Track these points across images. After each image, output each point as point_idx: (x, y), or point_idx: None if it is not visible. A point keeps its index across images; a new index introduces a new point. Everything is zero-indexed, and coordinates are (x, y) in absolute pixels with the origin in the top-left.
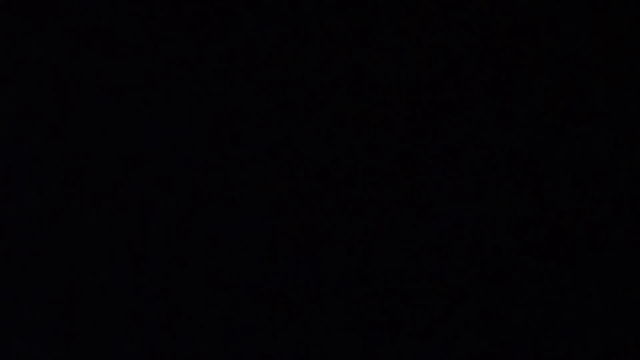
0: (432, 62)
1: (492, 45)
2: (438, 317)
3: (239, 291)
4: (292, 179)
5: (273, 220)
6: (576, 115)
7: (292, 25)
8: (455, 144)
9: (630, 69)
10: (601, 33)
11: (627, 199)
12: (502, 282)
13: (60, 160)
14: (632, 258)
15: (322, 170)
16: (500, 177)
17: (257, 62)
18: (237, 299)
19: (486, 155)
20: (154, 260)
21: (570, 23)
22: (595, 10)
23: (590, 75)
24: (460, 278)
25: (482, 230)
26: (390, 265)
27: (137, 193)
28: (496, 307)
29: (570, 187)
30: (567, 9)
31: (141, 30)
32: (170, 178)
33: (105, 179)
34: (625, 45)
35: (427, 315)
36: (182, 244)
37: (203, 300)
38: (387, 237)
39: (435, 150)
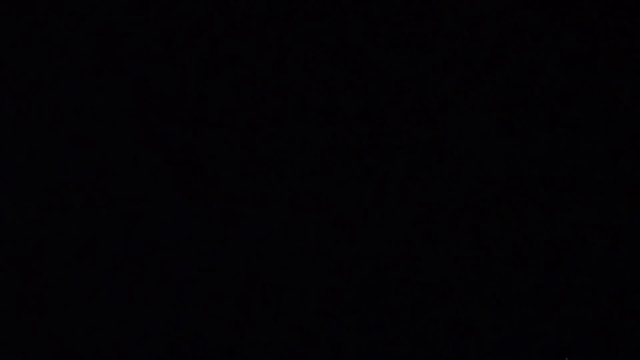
0: (446, 70)
1: (511, 57)
2: (443, 321)
3: (244, 296)
4: (302, 184)
5: (281, 227)
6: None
7: (298, 29)
8: (465, 150)
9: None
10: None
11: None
12: (509, 285)
13: (62, 162)
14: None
15: (331, 176)
16: (510, 182)
17: (265, 67)
18: (242, 304)
19: (496, 160)
20: (157, 266)
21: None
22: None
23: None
24: (470, 283)
25: (491, 234)
26: (400, 271)
27: (141, 197)
28: (502, 309)
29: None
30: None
31: (145, 32)
32: (174, 181)
33: (108, 182)
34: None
35: (433, 319)
36: (186, 249)
37: (207, 306)
38: (395, 243)
39: (445, 156)
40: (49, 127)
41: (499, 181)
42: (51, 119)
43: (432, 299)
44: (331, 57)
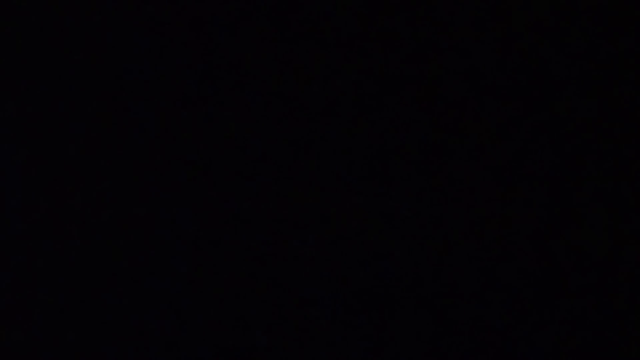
0: (450, 68)
1: (516, 54)
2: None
3: (246, 299)
4: (305, 186)
5: (283, 228)
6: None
7: (301, 30)
8: (470, 152)
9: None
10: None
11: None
12: (517, 288)
13: (63, 163)
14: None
15: (334, 177)
16: (515, 185)
17: (268, 68)
18: (244, 306)
19: (502, 162)
20: (156, 267)
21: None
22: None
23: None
24: (474, 284)
25: (497, 236)
26: (403, 274)
27: (140, 196)
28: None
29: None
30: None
31: (145, 31)
32: (174, 183)
33: (107, 183)
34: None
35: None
36: (185, 251)
37: (209, 309)
38: (399, 245)
39: (449, 158)
40: (48, 127)
41: (504, 183)
42: (51, 119)
43: (437, 302)
44: (333, 58)
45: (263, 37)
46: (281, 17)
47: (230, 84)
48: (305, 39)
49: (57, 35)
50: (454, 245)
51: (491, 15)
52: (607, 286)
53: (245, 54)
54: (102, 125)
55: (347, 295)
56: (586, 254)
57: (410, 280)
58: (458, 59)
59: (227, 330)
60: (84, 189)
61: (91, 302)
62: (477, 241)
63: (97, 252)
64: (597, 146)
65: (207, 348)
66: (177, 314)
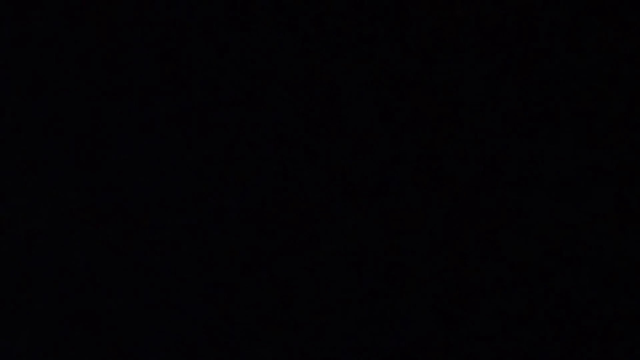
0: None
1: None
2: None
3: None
4: (310, 188)
5: (288, 231)
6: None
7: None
8: (475, 153)
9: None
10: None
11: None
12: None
13: (62, 163)
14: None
15: (339, 180)
16: (521, 187)
17: (274, 69)
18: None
19: (509, 164)
20: (160, 269)
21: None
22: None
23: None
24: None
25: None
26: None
27: (140, 197)
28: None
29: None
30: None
31: (145, 31)
32: (175, 183)
33: (107, 183)
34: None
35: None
36: (185, 252)
37: (210, 308)
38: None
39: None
40: (48, 127)
41: (511, 186)
42: (51, 120)
43: (440, 307)
44: (338, 59)
45: (265, 37)
46: (283, 17)
47: (233, 85)
48: (309, 42)
49: (57, 35)
50: (457, 249)
51: (497, 16)
52: (608, 287)
53: (248, 55)
54: (101, 125)
55: (350, 299)
56: (591, 257)
57: (414, 285)
58: (460, 61)
59: (228, 333)
60: (83, 189)
61: (90, 303)
62: (480, 244)
63: (96, 252)
64: (599, 147)
65: (207, 351)
66: (176, 315)
